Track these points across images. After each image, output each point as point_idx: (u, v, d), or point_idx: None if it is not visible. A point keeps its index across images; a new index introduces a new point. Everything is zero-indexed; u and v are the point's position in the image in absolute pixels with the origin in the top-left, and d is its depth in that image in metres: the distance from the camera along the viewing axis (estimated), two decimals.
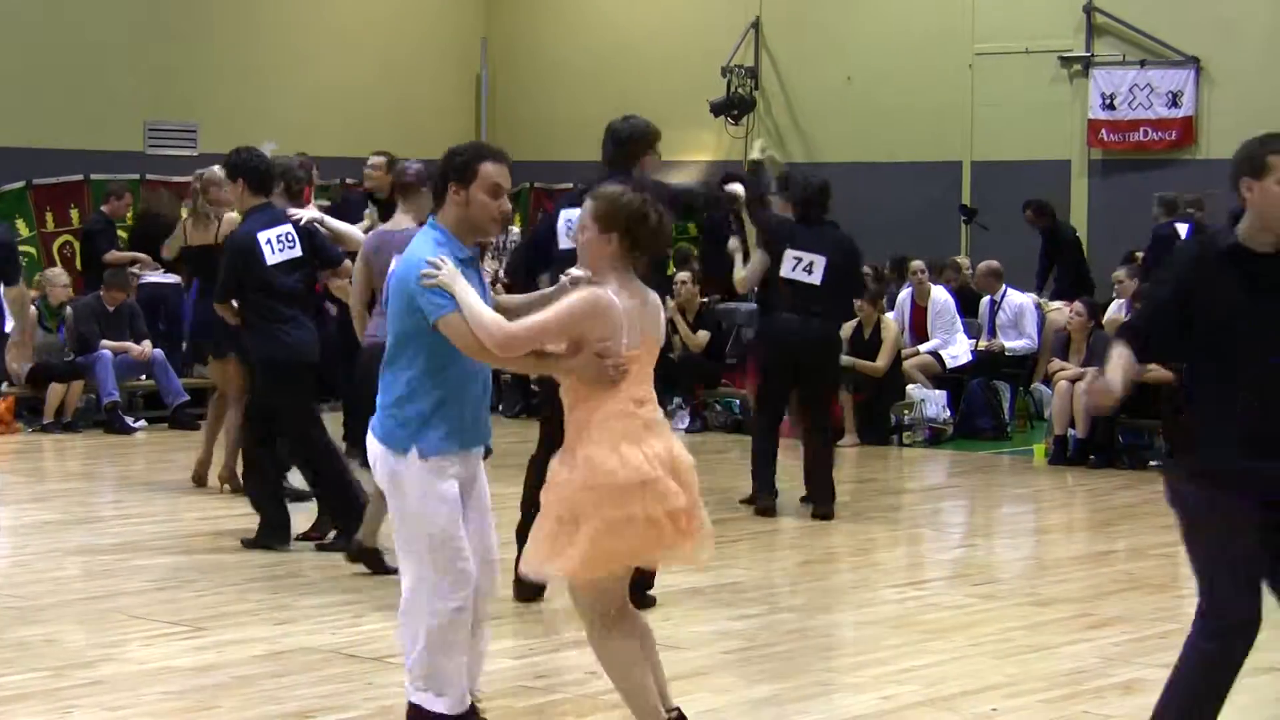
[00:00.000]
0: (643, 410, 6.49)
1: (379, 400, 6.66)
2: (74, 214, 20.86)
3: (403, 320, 6.55)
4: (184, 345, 17.02)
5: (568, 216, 9.46)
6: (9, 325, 11.80)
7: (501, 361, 6.50)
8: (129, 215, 19.90)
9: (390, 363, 6.63)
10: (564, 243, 9.50)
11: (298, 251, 11.19)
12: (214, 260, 13.22)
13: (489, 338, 6.34)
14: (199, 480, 13.74)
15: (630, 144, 9.83)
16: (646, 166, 9.87)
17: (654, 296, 6.62)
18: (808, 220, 12.97)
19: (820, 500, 12.81)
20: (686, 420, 18.20)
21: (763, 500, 12.92)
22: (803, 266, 12.78)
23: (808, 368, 12.85)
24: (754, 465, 13.07)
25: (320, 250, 11.47)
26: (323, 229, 11.66)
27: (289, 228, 11.23)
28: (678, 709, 6.78)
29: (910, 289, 17.98)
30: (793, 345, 12.83)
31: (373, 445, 6.67)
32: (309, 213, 11.75)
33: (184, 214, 13.84)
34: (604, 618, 6.63)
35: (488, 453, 6.95)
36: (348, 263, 11.62)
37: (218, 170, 13.67)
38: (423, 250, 6.52)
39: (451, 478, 6.60)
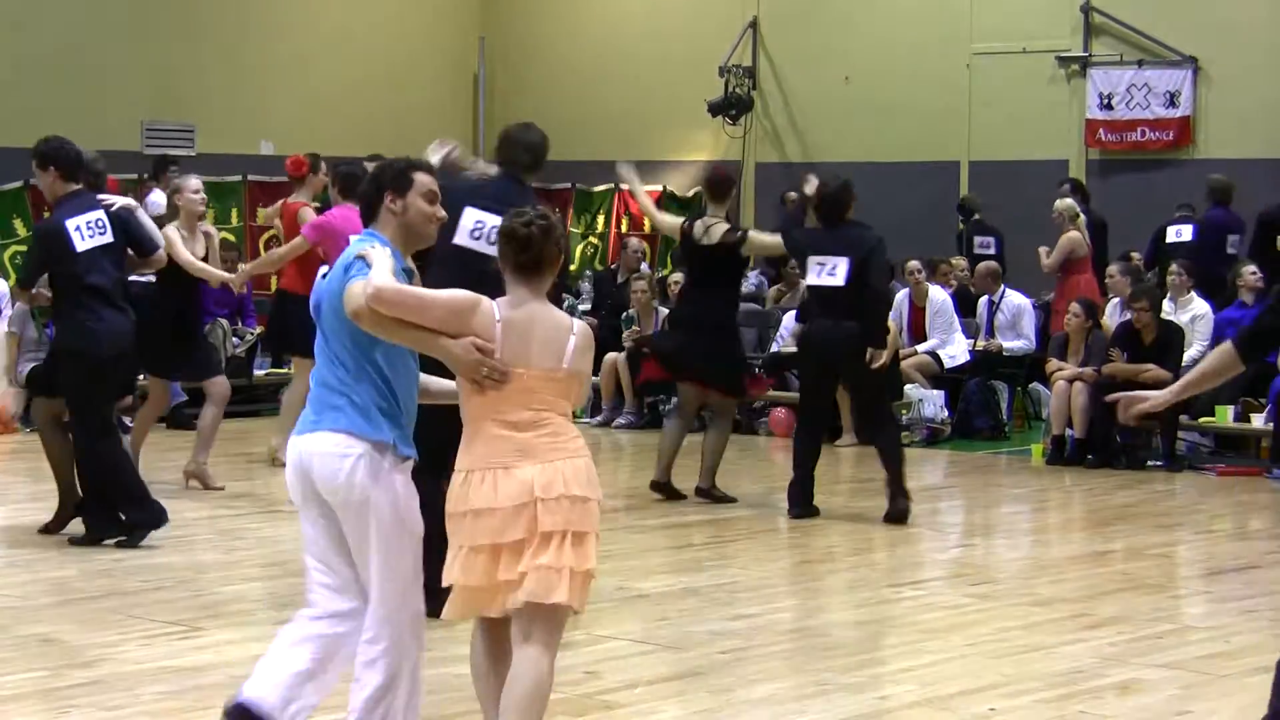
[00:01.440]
0: (519, 434, 6.25)
1: (340, 401, 6.39)
2: None
3: (331, 323, 6.41)
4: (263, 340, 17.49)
5: (478, 219, 9.44)
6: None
7: (376, 323, 6.20)
8: None
9: (335, 360, 6.40)
10: (459, 238, 9.40)
11: (109, 237, 11.06)
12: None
13: (364, 289, 6.16)
14: (206, 485, 13.78)
15: (532, 151, 9.78)
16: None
17: (559, 325, 6.34)
18: (829, 222, 12.91)
19: (891, 500, 12.75)
20: None
21: (795, 511, 12.82)
22: (826, 270, 12.73)
23: (847, 371, 12.79)
24: (793, 476, 12.96)
25: (136, 237, 11.39)
26: (142, 218, 11.63)
27: (100, 214, 11.14)
28: None
29: (907, 289, 17.97)
30: (826, 350, 12.80)
31: (338, 445, 6.35)
32: (124, 200, 11.72)
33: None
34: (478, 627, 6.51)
35: None
36: (161, 253, 11.82)
37: (191, 180, 13.73)
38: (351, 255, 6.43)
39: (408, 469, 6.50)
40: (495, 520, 6.21)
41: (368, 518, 6.33)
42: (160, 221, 13.22)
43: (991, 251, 20.12)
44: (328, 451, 6.31)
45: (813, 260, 12.82)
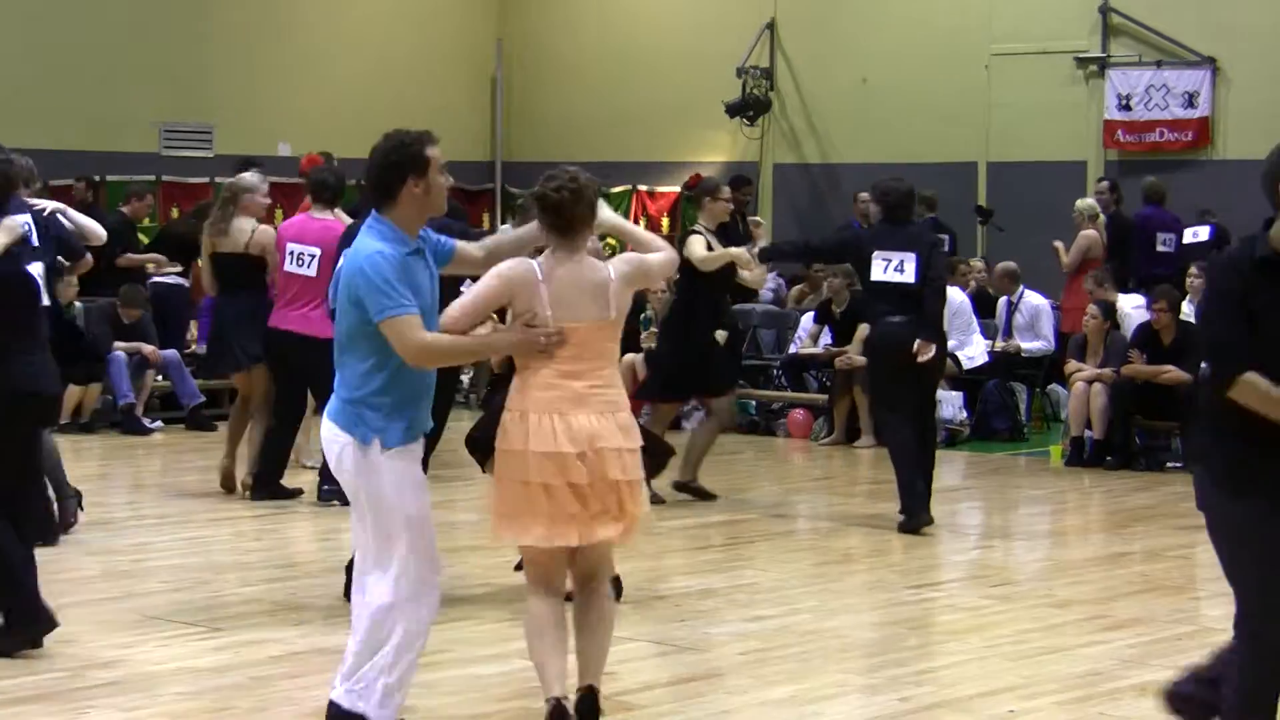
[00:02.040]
0: (574, 383, 6.76)
1: (337, 392, 6.70)
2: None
3: (349, 315, 6.60)
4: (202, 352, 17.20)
5: None
6: None
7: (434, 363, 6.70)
8: (147, 217, 19.91)
9: (342, 356, 6.67)
10: None
11: (34, 242, 10.89)
12: (240, 268, 13.27)
13: (408, 349, 6.51)
14: (227, 486, 13.67)
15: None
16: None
17: (599, 275, 6.87)
18: (893, 220, 12.84)
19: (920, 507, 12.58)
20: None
21: (913, 520, 12.42)
22: (893, 266, 12.65)
23: (922, 368, 12.56)
24: (898, 480, 12.62)
25: (63, 242, 11.29)
26: (65, 220, 11.53)
27: (27, 217, 11.00)
28: (557, 700, 6.85)
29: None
30: (903, 348, 12.47)
31: (333, 433, 6.67)
32: (52, 204, 11.66)
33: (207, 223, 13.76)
34: (531, 587, 6.96)
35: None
36: (88, 257, 11.71)
37: (249, 178, 13.69)
38: (370, 245, 6.56)
39: (414, 462, 6.69)
40: (554, 463, 6.69)
41: (360, 500, 6.67)
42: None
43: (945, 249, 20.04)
44: (325, 438, 6.71)
45: (878, 254, 12.75)
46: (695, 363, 13.48)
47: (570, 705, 6.87)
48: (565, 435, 6.71)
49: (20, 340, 8.38)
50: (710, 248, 13.16)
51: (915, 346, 12.27)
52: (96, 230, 11.89)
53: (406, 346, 6.48)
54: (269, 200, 13.89)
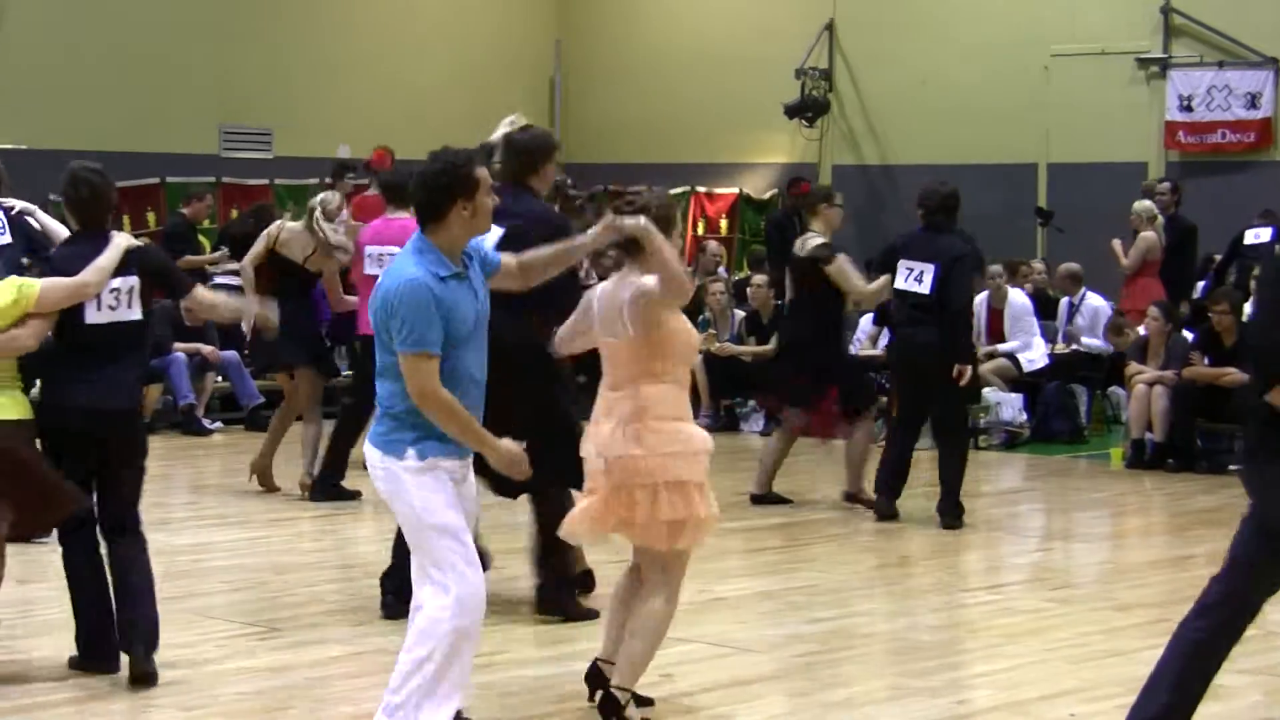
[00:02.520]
0: (610, 394, 7.32)
1: (380, 409, 6.71)
2: (150, 217, 21.00)
3: (383, 333, 6.60)
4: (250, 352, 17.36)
5: None
6: None
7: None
8: (207, 219, 20.01)
9: (382, 374, 6.64)
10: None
11: (7, 238, 10.81)
12: (293, 272, 13.25)
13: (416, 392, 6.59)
14: (264, 484, 13.72)
15: (527, 155, 9.36)
16: (549, 177, 9.53)
17: (615, 298, 7.22)
18: (931, 227, 12.84)
19: (941, 510, 12.73)
20: (761, 423, 18.16)
21: (879, 506, 12.87)
22: (914, 276, 12.65)
23: (930, 379, 12.64)
24: (879, 471, 13.02)
25: (32, 241, 11.17)
26: (34, 221, 11.46)
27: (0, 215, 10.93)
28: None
29: (986, 292, 17.81)
30: (909, 358, 12.80)
31: (372, 455, 6.70)
32: (20, 204, 11.61)
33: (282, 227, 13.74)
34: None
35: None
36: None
37: (331, 201, 13.74)
38: (408, 271, 6.54)
39: (446, 473, 6.63)
40: (587, 467, 7.30)
41: (396, 513, 6.79)
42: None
43: None
44: (365, 449, 6.78)
45: (902, 264, 12.73)
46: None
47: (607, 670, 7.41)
48: (590, 442, 7.30)
49: None
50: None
51: (954, 371, 12.40)
52: (61, 234, 11.75)
53: (413, 386, 6.49)
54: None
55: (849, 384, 13.31)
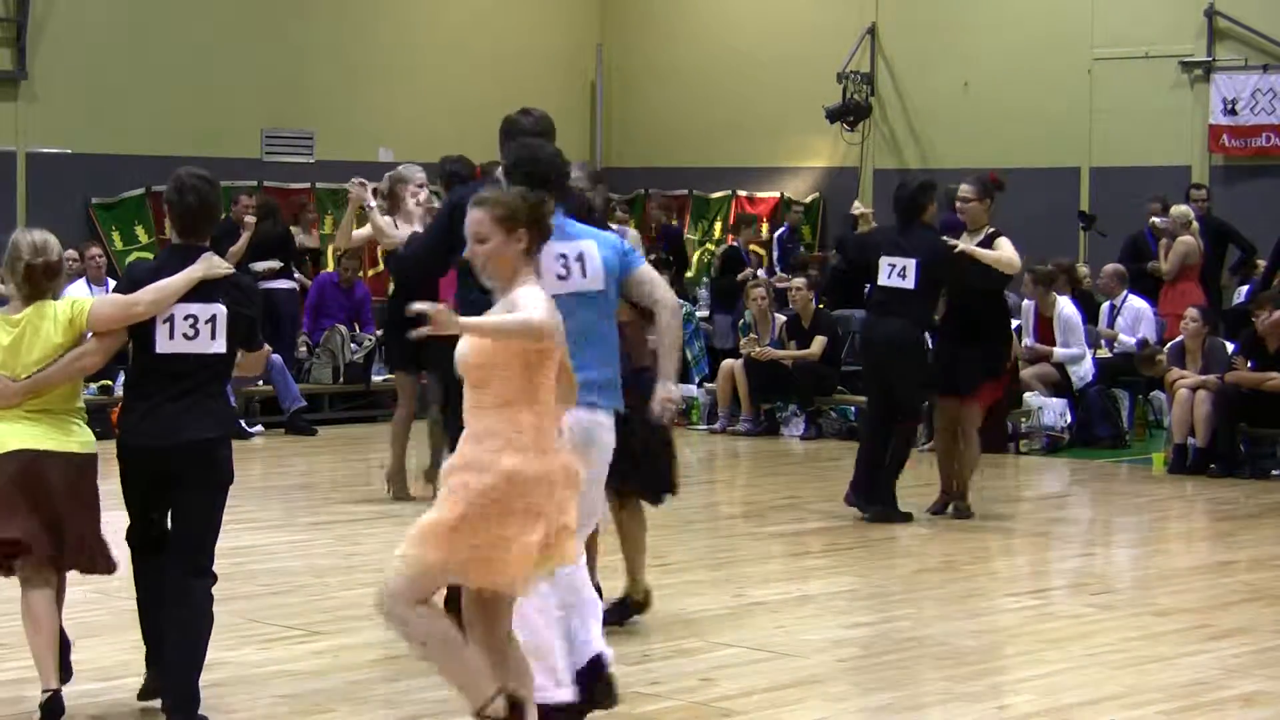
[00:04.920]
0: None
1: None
2: None
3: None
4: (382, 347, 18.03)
5: None
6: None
7: None
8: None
9: None
10: None
11: None
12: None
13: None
14: (401, 494, 13.38)
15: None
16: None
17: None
18: (904, 222, 12.91)
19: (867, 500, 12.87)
20: (802, 427, 18.15)
21: (851, 499, 12.99)
22: (897, 271, 12.75)
23: (886, 369, 12.85)
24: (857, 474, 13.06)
25: None
26: None
27: None
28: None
29: (1034, 300, 17.66)
30: (871, 349, 13.08)
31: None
32: None
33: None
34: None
35: None
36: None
37: (406, 170, 13.43)
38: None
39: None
40: None
41: None
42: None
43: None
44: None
45: (884, 260, 12.81)
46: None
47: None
48: None
49: None
50: None
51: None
52: None
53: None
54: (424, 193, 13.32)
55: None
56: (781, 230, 22.81)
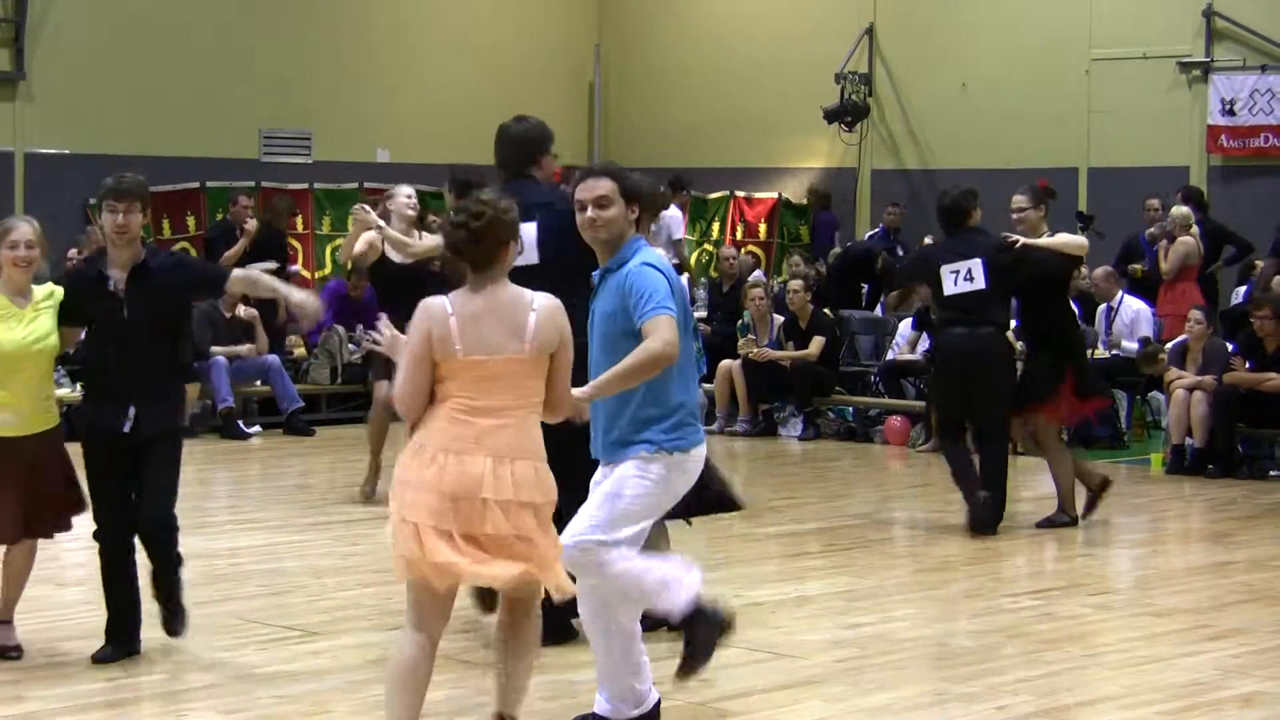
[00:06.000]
0: (477, 420, 6.38)
1: None
2: (190, 221, 21.09)
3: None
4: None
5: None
6: None
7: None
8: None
9: None
10: None
11: None
12: (394, 276, 13.00)
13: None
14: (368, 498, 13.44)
15: (524, 146, 9.11)
16: (544, 168, 9.16)
17: (518, 306, 6.47)
18: (952, 230, 12.76)
19: (970, 511, 12.54)
20: (800, 428, 18.15)
21: (982, 529, 12.48)
22: (962, 276, 12.53)
23: (980, 378, 12.46)
24: (973, 496, 12.54)
25: None
26: None
27: None
28: None
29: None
30: (962, 358, 12.51)
31: None
32: None
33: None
34: (409, 624, 6.61)
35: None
36: None
37: (394, 189, 13.56)
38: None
39: None
40: (435, 502, 6.34)
41: None
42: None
43: None
44: None
45: (946, 270, 12.62)
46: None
47: None
48: (455, 475, 6.37)
49: None
50: None
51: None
52: None
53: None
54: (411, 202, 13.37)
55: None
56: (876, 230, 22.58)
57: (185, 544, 11.50)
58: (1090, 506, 12.98)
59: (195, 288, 8.82)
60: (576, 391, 6.64)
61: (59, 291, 8.37)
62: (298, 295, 9.04)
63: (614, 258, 6.98)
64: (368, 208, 12.90)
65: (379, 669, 8.35)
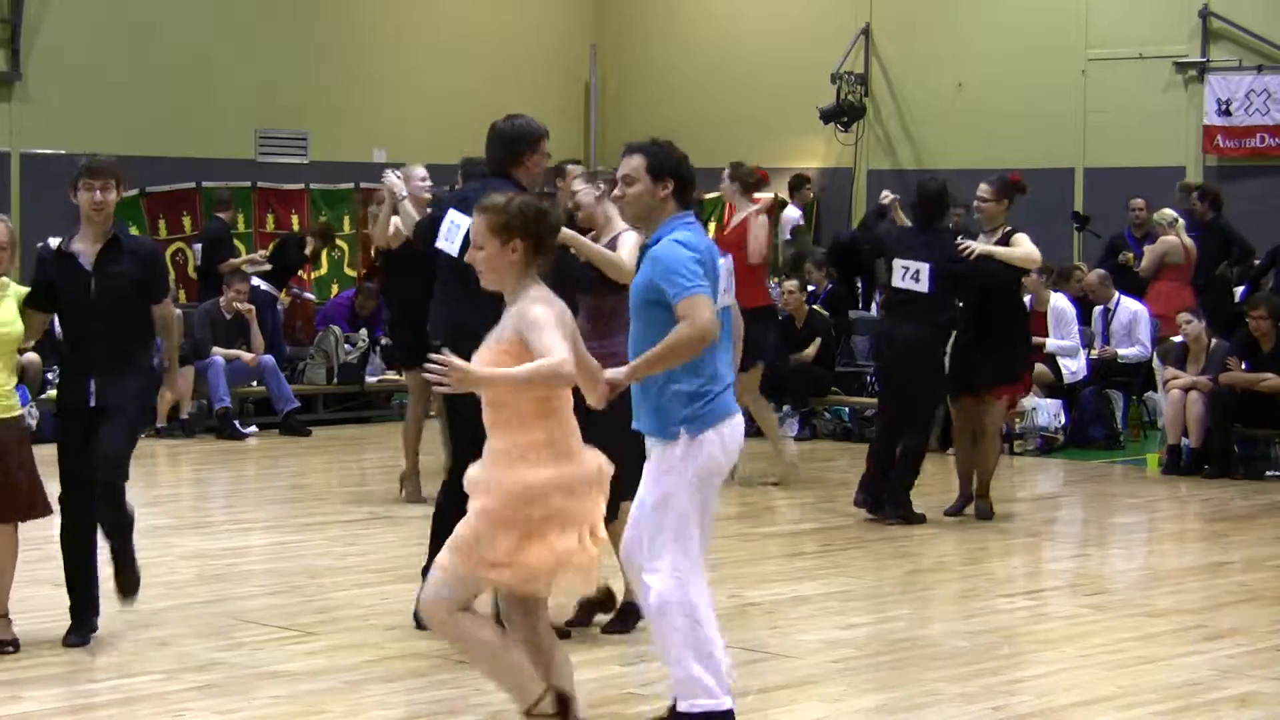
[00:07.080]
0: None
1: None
2: (186, 221, 21.09)
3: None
4: (379, 347, 18.26)
5: (454, 220, 8.99)
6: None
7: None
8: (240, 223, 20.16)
9: None
10: (440, 243, 9.05)
11: None
12: (409, 261, 12.81)
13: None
14: (410, 497, 13.30)
15: (510, 143, 9.10)
16: (530, 166, 9.15)
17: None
18: (922, 223, 12.93)
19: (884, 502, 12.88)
20: (796, 428, 18.13)
21: (860, 500, 12.95)
22: (910, 275, 12.71)
23: (902, 372, 12.84)
24: (868, 471, 13.04)
25: None
26: None
27: None
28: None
29: (1030, 295, 17.65)
30: (892, 347, 12.95)
31: None
32: None
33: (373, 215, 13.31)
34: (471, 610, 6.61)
35: None
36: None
37: (408, 169, 13.42)
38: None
39: None
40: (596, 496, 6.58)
41: None
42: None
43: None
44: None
45: (898, 262, 12.79)
46: None
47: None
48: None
49: None
50: None
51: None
52: None
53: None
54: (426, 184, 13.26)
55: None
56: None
57: (182, 544, 11.57)
58: (957, 511, 13.23)
59: (146, 285, 8.70)
60: (612, 373, 6.69)
61: (17, 288, 8.44)
62: (173, 377, 9.39)
63: (653, 234, 7.13)
64: (397, 172, 12.52)
65: (376, 669, 8.36)
